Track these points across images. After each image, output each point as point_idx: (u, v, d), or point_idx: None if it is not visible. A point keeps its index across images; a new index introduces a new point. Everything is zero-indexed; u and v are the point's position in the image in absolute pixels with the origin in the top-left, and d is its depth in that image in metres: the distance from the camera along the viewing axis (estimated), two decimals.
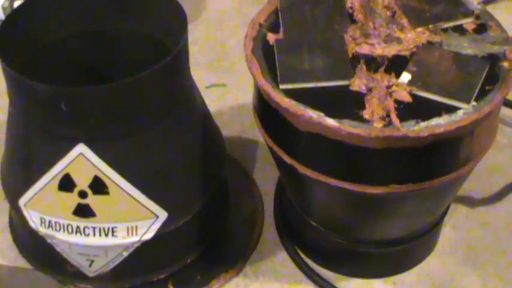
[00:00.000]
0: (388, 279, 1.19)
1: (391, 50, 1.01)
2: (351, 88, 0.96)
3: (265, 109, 1.00)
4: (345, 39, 1.03)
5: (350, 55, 1.00)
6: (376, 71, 0.98)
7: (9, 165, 1.10)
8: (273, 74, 0.98)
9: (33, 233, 1.09)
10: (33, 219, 1.07)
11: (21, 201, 1.07)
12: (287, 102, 0.93)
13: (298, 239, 1.22)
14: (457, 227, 1.26)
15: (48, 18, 1.10)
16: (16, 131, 1.06)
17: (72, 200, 1.03)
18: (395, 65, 0.98)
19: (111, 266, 1.10)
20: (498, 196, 1.32)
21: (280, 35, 1.04)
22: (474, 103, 0.92)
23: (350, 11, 1.08)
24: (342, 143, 0.91)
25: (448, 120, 0.90)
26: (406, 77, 0.96)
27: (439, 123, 0.89)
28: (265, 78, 0.97)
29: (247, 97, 1.14)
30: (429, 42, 1.02)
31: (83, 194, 1.02)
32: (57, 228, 1.06)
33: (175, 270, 1.15)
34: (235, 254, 1.22)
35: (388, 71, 0.97)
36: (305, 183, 1.05)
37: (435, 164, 0.96)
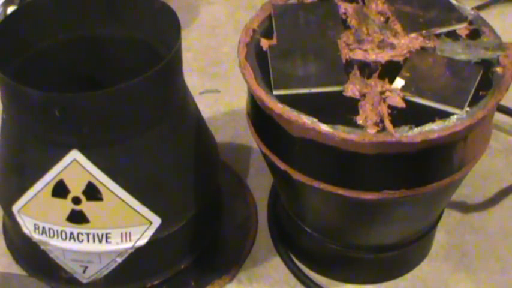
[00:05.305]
0: (382, 285, 1.19)
1: (384, 56, 1.01)
2: (345, 94, 0.96)
3: (258, 115, 1.00)
4: (338, 45, 1.03)
5: (343, 61, 1.00)
6: (369, 76, 0.98)
7: (3, 172, 1.10)
8: (267, 80, 0.98)
9: (27, 239, 1.08)
10: (27, 225, 1.07)
11: (15, 208, 1.07)
12: (280, 108, 0.93)
13: (292, 244, 1.22)
14: (450, 232, 1.26)
15: (42, 25, 1.10)
16: (9, 137, 1.06)
17: (65, 206, 1.02)
18: (389, 70, 0.98)
19: (105, 272, 1.10)
20: (492, 202, 1.32)
21: (274, 41, 1.04)
22: (468, 109, 0.92)
23: (343, 16, 1.08)
24: (336, 149, 0.91)
25: (442, 126, 0.90)
26: (399, 82, 0.96)
27: (433, 129, 0.89)
28: (258, 84, 0.97)
29: (241, 103, 1.14)
30: (423, 48, 1.02)
31: (76, 200, 1.02)
32: (51, 234, 1.05)
33: (169, 276, 1.15)
34: (229, 260, 1.22)
35: (381, 76, 0.97)
36: (298, 189, 1.05)
37: (429, 169, 0.96)
